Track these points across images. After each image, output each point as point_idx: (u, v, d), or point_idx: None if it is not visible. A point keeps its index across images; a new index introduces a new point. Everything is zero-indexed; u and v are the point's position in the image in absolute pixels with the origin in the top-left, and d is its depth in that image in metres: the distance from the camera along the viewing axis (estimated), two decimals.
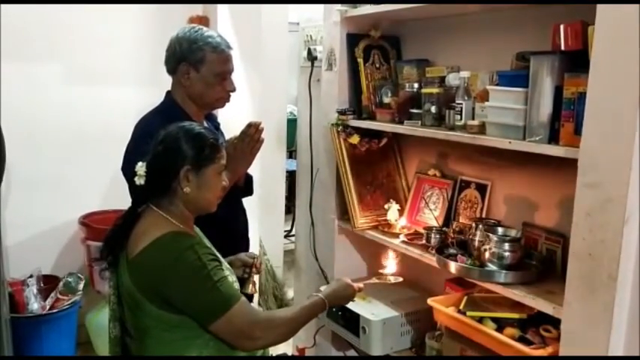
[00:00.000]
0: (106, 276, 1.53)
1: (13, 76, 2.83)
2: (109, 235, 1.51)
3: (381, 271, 1.93)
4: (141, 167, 1.45)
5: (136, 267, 1.42)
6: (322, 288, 1.77)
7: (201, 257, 1.40)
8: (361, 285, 1.72)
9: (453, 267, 1.77)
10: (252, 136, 1.83)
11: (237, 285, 1.56)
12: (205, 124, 1.87)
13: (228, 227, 1.88)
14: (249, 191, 2.07)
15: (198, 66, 1.80)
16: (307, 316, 1.55)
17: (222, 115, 2.16)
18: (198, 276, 1.39)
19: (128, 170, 1.53)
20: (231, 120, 2.23)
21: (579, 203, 1.38)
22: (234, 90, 1.88)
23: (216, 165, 1.48)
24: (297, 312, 1.55)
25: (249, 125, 1.85)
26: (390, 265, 1.94)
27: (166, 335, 1.44)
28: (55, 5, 2.92)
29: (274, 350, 3.08)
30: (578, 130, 1.41)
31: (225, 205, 1.78)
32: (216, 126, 2.01)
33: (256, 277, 1.82)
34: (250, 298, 1.80)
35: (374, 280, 1.85)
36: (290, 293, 3.49)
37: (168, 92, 1.89)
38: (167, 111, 1.82)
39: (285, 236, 4.48)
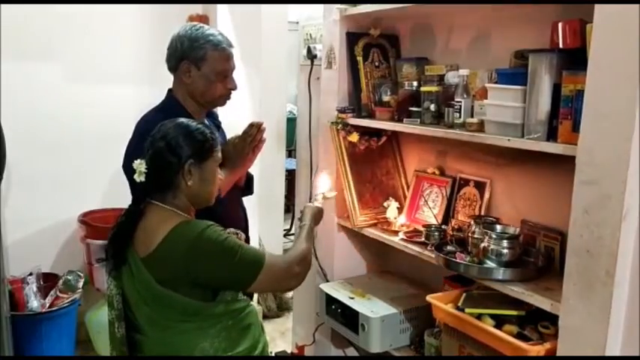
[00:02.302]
0: (113, 275, 1.53)
1: (13, 76, 2.83)
2: (114, 233, 1.52)
3: (317, 192, 2.00)
4: (140, 164, 1.46)
5: (156, 261, 1.44)
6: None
7: (222, 232, 1.47)
8: (320, 206, 1.85)
9: (451, 264, 1.78)
10: (254, 136, 1.84)
11: None
12: (206, 122, 1.88)
13: (229, 226, 1.88)
14: (249, 190, 2.08)
15: (199, 64, 1.80)
16: (311, 242, 1.68)
17: (222, 114, 2.16)
18: (227, 246, 1.45)
19: (130, 168, 1.53)
20: (231, 119, 2.24)
21: (577, 200, 1.39)
22: (235, 88, 1.88)
23: (215, 158, 1.54)
24: (305, 242, 1.64)
25: (251, 125, 1.86)
26: (322, 182, 2.03)
27: (183, 326, 1.46)
28: (54, 5, 2.92)
29: (274, 348, 3.10)
30: (576, 128, 1.42)
31: (227, 204, 1.78)
32: (217, 124, 2.01)
33: None
34: None
35: (319, 201, 1.91)
36: (289, 292, 3.50)
37: (169, 90, 1.90)
38: (168, 109, 1.81)
39: (285, 235, 4.49)
